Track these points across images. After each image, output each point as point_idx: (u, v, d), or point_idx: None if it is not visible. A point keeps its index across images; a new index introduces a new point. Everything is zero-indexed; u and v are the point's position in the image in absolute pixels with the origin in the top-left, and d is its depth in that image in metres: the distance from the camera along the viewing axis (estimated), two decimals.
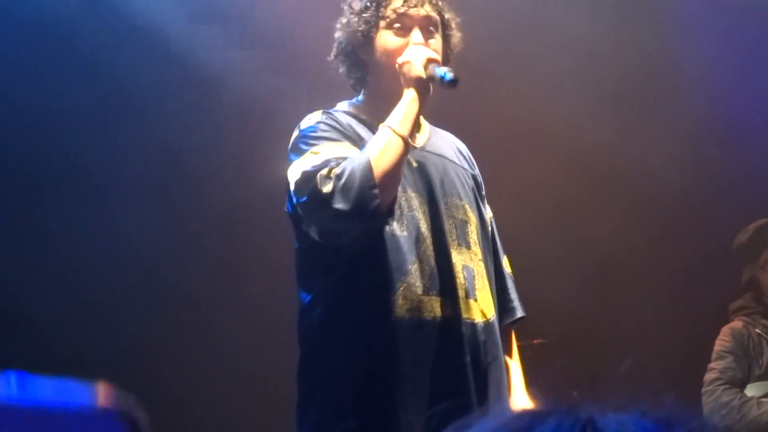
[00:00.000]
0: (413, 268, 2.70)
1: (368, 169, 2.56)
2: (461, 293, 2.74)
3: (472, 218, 2.85)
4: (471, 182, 2.94)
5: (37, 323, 4.62)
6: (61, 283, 4.71)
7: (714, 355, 4.60)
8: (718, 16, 5.21)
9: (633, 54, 5.33)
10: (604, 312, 5.49)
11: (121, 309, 4.82)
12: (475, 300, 2.77)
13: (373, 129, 2.76)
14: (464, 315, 2.73)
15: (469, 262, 2.79)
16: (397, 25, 2.78)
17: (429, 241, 2.74)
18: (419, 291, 2.69)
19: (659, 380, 4.53)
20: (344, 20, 2.86)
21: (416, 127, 2.78)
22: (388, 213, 2.62)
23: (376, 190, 2.55)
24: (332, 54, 2.90)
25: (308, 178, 2.61)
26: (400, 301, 2.68)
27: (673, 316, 5.50)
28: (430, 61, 2.71)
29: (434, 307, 2.70)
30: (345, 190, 2.54)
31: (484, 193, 3.03)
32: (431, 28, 2.80)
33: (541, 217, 5.36)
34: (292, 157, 2.72)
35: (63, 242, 4.76)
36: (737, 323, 4.63)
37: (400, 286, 2.68)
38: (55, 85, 4.63)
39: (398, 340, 2.66)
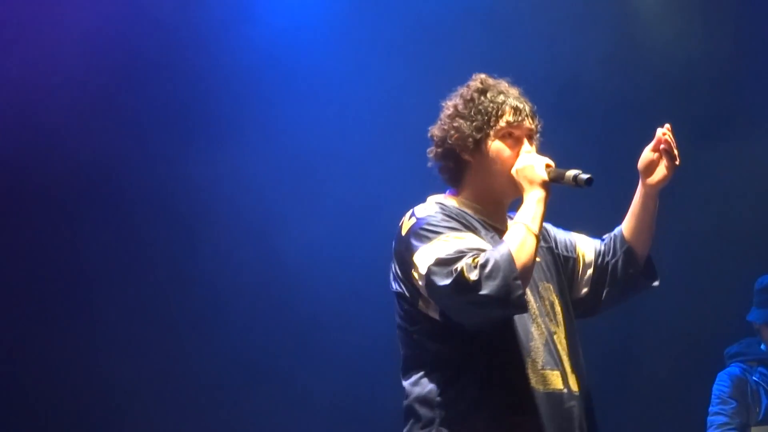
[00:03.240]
0: (533, 345, 2.92)
1: (511, 261, 2.75)
2: (568, 368, 2.97)
3: (555, 299, 3.06)
4: (549, 258, 3.13)
5: None
6: None
7: (716, 399, 4.77)
8: None
9: None
10: None
11: None
12: (572, 373, 2.99)
13: (483, 224, 2.99)
14: (573, 388, 2.97)
15: (562, 340, 3.01)
16: (509, 135, 3.01)
17: (539, 320, 2.96)
18: (539, 366, 2.91)
19: None
20: (450, 122, 3.03)
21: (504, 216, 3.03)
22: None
23: (519, 281, 2.75)
24: (432, 150, 3.09)
25: (447, 264, 2.78)
26: (531, 374, 2.89)
27: None
28: (547, 165, 2.95)
29: (555, 380, 2.93)
30: (491, 279, 2.72)
31: (563, 247, 3.20)
32: (532, 137, 3.05)
33: None
34: (414, 242, 2.88)
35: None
36: (734, 369, 4.81)
37: (528, 361, 2.90)
38: None
39: (540, 411, 2.87)
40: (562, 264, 3.16)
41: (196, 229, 5.41)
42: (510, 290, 2.74)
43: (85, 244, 5.30)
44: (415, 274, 2.86)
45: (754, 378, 4.77)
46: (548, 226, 3.19)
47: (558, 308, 3.05)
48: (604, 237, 3.24)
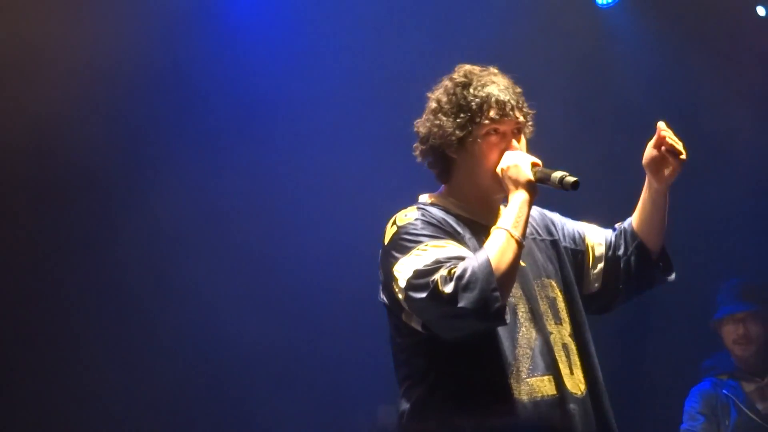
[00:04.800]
0: (518, 352, 2.80)
1: (489, 271, 2.64)
2: (565, 370, 2.86)
3: (559, 294, 2.94)
4: (553, 252, 3.01)
5: None
6: None
7: (686, 416, 4.75)
8: None
9: None
10: None
11: None
12: (573, 374, 2.88)
13: (470, 225, 2.88)
14: (571, 390, 2.85)
15: (565, 338, 2.90)
16: (493, 132, 2.88)
17: (528, 324, 2.84)
18: (524, 375, 2.79)
19: None
20: (433, 119, 2.91)
21: (497, 213, 2.94)
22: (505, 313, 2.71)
23: (497, 293, 2.64)
24: (417, 147, 2.97)
25: (424, 276, 2.69)
26: (513, 385, 2.78)
27: None
28: (534, 164, 2.83)
29: (545, 386, 2.81)
30: (468, 291, 2.62)
31: (571, 239, 3.07)
32: (520, 131, 2.92)
33: None
34: (394, 253, 2.79)
35: None
36: (705, 384, 4.77)
37: (510, 372, 2.79)
38: None
39: (521, 423, 2.65)
40: (570, 257, 3.03)
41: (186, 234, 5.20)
42: (488, 302, 2.64)
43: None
44: (396, 287, 2.77)
45: (723, 391, 4.74)
46: (555, 216, 3.09)
47: (561, 305, 2.94)
48: (616, 227, 3.10)
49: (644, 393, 5.45)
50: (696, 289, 5.07)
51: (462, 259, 2.70)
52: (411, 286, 2.71)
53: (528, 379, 2.80)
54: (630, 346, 5.49)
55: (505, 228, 2.75)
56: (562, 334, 2.90)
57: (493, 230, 2.78)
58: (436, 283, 2.65)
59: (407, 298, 2.73)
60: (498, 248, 2.71)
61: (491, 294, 2.64)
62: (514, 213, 2.77)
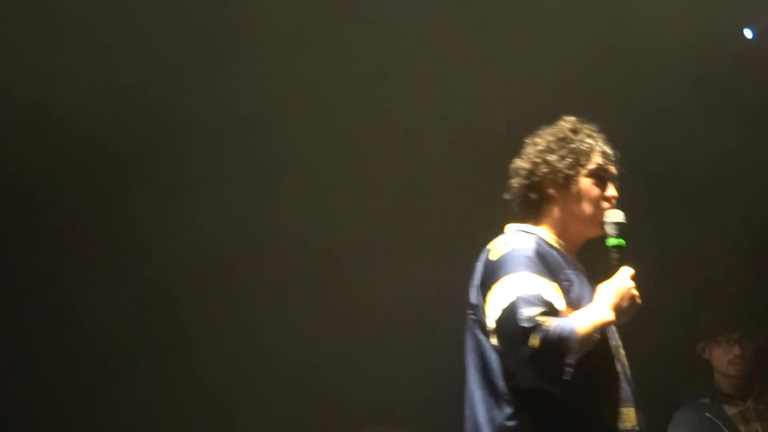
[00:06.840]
0: (617, 382, 2.96)
1: (575, 348, 2.75)
2: (639, 404, 3.01)
3: (620, 342, 3.12)
4: None
5: None
6: None
7: None
8: None
9: None
10: None
11: None
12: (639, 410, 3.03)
13: (566, 260, 3.05)
14: (640, 427, 2.98)
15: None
16: (598, 175, 3.11)
17: (616, 356, 3.01)
18: (619, 403, 2.93)
19: None
20: (540, 155, 3.13)
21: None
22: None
23: (571, 369, 2.74)
24: (517, 181, 3.17)
25: (523, 306, 2.77)
26: (615, 412, 2.91)
27: None
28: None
29: (631, 416, 2.95)
30: (547, 354, 2.72)
31: None
32: (615, 183, 3.16)
33: None
34: (503, 269, 2.89)
35: None
36: (688, 408, 4.81)
37: (612, 398, 2.93)
38: None
39: None
40: None
41: None
42: (560, 373, 2.72)
43: None
44: (490, 301, 2.86)
45: (707, 415, 4.76)
46: None
47: (622, 350, 3.09)
48: None
49: None
50: (676, 314, 5.14)
51: (556, 312, 2.80)
52: (508, 310, 2.78)
53: (622, 408, 2.92)
54: None
55: (593, 321, 2.85)
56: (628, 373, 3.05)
57: (586, 312, 2.88)
58: (530, 328, 2.73)
59: (500, 318, 2.81)
60: (586, 330, 2.81)
61: (565, 369, 2.72)
62: (600, 319, 2.87)
